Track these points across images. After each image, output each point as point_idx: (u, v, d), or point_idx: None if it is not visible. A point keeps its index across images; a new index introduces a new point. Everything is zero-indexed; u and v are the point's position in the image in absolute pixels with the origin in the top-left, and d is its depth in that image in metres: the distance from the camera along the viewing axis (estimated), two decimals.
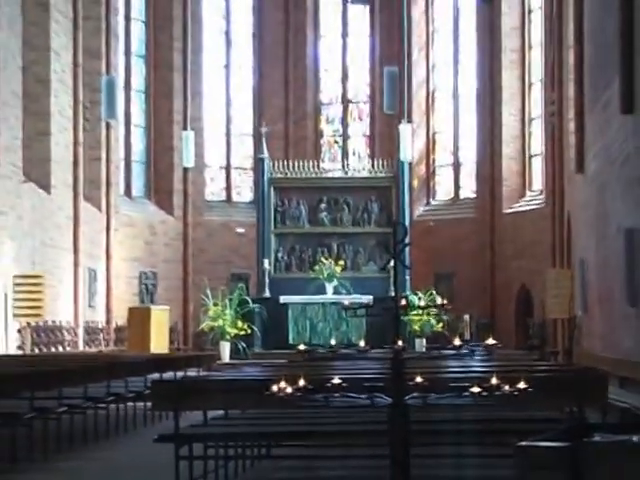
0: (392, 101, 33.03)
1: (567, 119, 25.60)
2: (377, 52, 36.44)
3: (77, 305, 29.06)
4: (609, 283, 19.10)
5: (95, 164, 31.02)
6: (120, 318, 30.80)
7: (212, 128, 36.32)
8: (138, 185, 34.85)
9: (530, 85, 33.41)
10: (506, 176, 33.44)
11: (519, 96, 33.61)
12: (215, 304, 29.39)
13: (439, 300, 7.72)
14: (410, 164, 31.67)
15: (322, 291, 29.67)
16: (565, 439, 4.44)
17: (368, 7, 35.12)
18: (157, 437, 9.69)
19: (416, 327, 28.20)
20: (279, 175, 31.19)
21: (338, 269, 29.88)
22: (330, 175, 32.20)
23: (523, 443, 4.44)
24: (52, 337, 26.82)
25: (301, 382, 6.60)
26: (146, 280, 33.19)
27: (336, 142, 37.59)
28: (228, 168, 36.84)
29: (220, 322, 29.05)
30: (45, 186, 27.67)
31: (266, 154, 31.25)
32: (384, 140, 35.03)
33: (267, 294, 29.85)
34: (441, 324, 27.95)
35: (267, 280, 30.05)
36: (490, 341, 7.20)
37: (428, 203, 35.52)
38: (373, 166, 32.10)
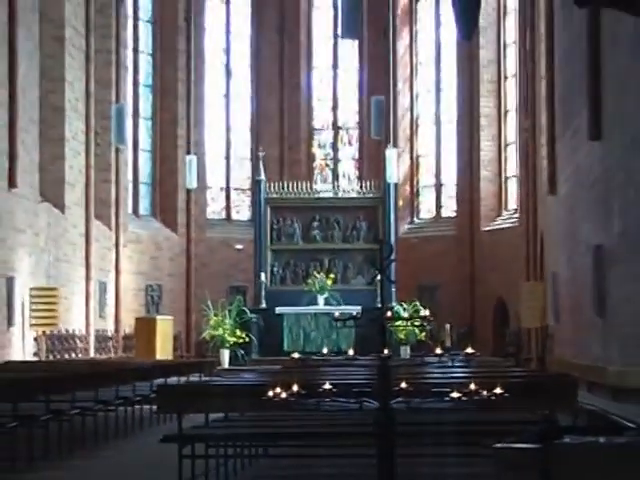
0: (379, 127, 33.09)
1: (540, 145, 25.64)
2: (365, 82, 36.50)
3: (88, 315, 29.05)
4: (578, 295, 19.11)
5: (105, 185, 31.01)
6: (128, 327, 30.77)
7: (213, 152, 36.32)
8: (145, 205, 34.83)
9: (506, 113, 33.47)
10: (484, 196, 33.48)
11: (496, 123, 33.67)
12: (216, 314, 29.35)
13: (423, 311, 7.74)
14: (395, 185, 31.66)
15: (314, 302, 29.64)
16: (538, 441, 4.44)
17: (357, 42, 35.13)
18: (162, 437, 9.66)
19: (401, 336, 28.17)
20: (275, 195, 31.19)
21: (329, 282, 29.85)
22: (322, 196, 32.19)
23: (499, 445, 4.45)
24: (65, 345, 26.81)
25: (295, 387, 6.60)
26: (152, 292, 33.15)
27: (327, 165, 37.60)
28: (228, 189, 36.84)
29: (220, 331, 29.02)
30: (60, 206, 27.68)
31: (263, 176, 31.24)
32: (372, 163, 35.05)
33: (264, 305, 29.81)
34: (424, 333, 27.92)
35: (264, 292, 30.02)
36: (469, 350, 7.19)
37: (412, 221, 35.54)
38: (361, 187, 32.11)
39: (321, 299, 29.66)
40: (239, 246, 34.08)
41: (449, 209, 35.35)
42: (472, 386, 6.51)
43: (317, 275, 30.10)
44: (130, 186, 33.97)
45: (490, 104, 33.71)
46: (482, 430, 8.61)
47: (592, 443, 4.38)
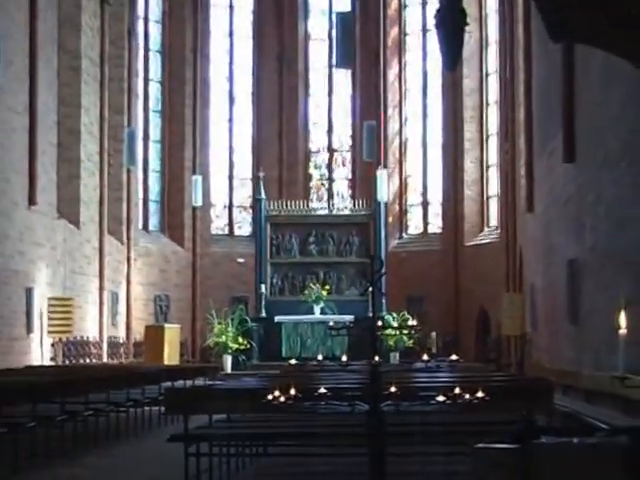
0: (370, 150, 33.07)
1: (519, 166, 25.64)
2: (358, 108, 36.50)
3: (101, 323, 29.01)
4: (554, 305, 19.11)
5: (117, 203, 31.02)
6: (138, 334, 30.75)
7: (217, 173, 36.32)
8: (154, 221, 34.82)
9: (487, 137, 33.49)
10: (467, 214, 33.48)
11: (478, 146, 33.69)
12: (219, 323, 29.35)
13: (411, 321, 7.75)
14: (386, 204, 31.66)
15: (311, 312, 29.62)
16: (516, 441, 4.43)
17: (350, 71, 35.18)
18: (169, 437, 9.65)
19: (391, 343, 28.15)
20: (274, 213, 31.21)
21: (324, 293, 29.85)
22: (318, 213, 32.20)
23: (480, 445, 4.44)
24: (80, 350, 26.76)
25: (292, 391, 6.60)
26: (160, 302, 33.11)
27: (323, 185, 37.60)
28: (231, 207, 36.83)
29: (223, 338, 29.01)
30: (75, 222, 27.68)
31: (263, 195, 31.27)
32: (364, 183, 35.03)
33: (263, 314, 29.79)
34: (412, 340, 27.89)
35: (264, 302, 30.00)
36: (453, 357, 7.20)
37: (401, 237, 35.51)
38: (354, 205, 32.15)
39: (317, 309, 29.66)
40: (241, 259, 34.06)
41: (435, 226, 35.32)
42: (456, 390, 6.51)
43: (313, 286, 30.10)
44: (140, 204, 33.97)
45: (473, 129, 33.74)
46: (465, 430, 8.61)
47: (566, 443, 4.37)
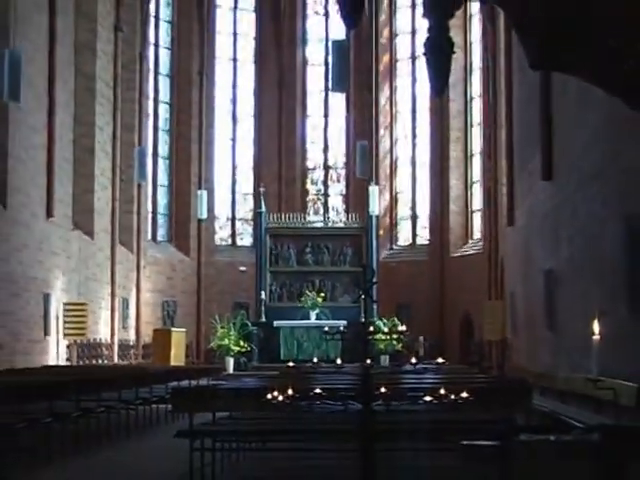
0: (363, 167, 33.14)
1: (500, 184, 25.70)
2: (352, 129, 36.55)
3: (113, 327, 29.00)
4: (532, 312, 19.13)
5: (128, 215, 31.02)
6: (147, 337, 30.70)
7: (221, 187, 36.32)
8: (162, 232, 34.81)
9: (471, 156, 33.54)
10: (453, 227, 33.51)
11: (463, 164, 33.74)
12: (222, 327, 29.32)
13: (400, 326, 7.77)
14: (377, 217, 31.68)
15: (307, 317, 29.61)
16: (497, 438, 4.45)
17: (345, 94, 35.23)
18: (176, 433, 9.64)
19: (381, 346, 28.11)
20: (274, 225, 31.22)
21: (320, 300, 29.84)
22: (314, 225, 32.23)
23: (465, 442, 4.46)
24: (93, 352, 26.75)
25: (290, 391, 6.61)
26: (168, 307, 33.08)
27: (319, 199, 37.61)
28: (233, 219, 36.84)
29: (226, 341, 28.97)
30: (89, 232, 27.70)
31: (263, 208, 31.29)
32: (357, 198, 35.06)
33: (263, 319, 29.77)
34: (401, 344, 27.86)
35: (263, 308, 29.99)
36: (440, 360, 7.21)
37: (391, 248, 35.53)
38: (348, 219, 32.19)
39: (313, 314, 29.65)
40: (243, 268, 34.04)
41: (423, 238, 35.34)
42: (442, 391, 6.52)
43: (309, 293, 30.10)
44: (149, 216, 33.98)
45: (458, 148, 33.79)
46: (451, 428, 8.61)
47: (544, 440, 4.39)
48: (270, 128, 36.39)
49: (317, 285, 30.76)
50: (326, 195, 37.58)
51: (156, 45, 34.85)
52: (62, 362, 24.51)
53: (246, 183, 36.85)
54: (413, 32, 35.81)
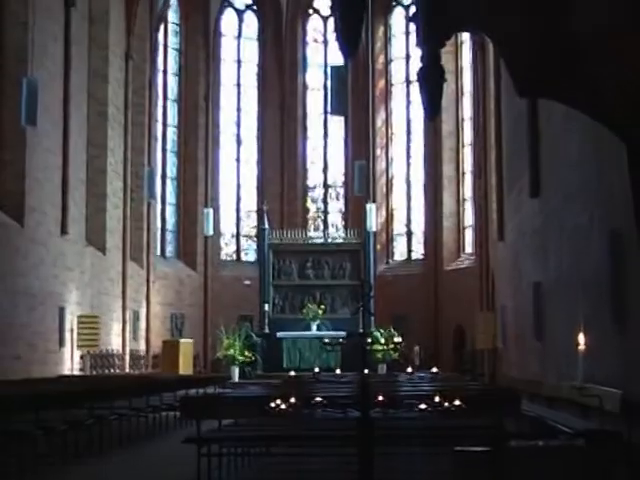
0: (361, 186, 33.08)
1: (491, 201, 25.68)
2: (350, 150, 36.60)
3: (124, 338, 28.98)
4: (522, 323, 19.10)
5: (139, 232, 31.04)
6: (157, 348, 30.68)
7: (226, 206, 36.35)
8: (170, 248, 34.82)
9: (463, 175, 33.58)
10: (446, 242, 33.52)
11: (455, 183, 33.77)
12: (227, 338, 29.29)
13: (396, 337, 7.76)
14: (374, 233, 31.67)
15: (308, 328, 29.59)
16: (489, 444, 4.46)
17: (344, 117, 35.28)
18: (184, 439, 9.62)
19: (379, 356, 28.07)
20: (276, 241, 31.23)
21: (320, 312, 29.82)
22: (314, 241, 32.21)
23: (458, 448, 4.47)
24: (105, 362, 26.73)
25: (292, 400, 6.62)
26: (176, 319, 33.05)
27: (319, 217, 37.63)
28: (238, 236, 36.85)
29: (231, 351, 28.94)
30: (102, 249, 27.72)
31: (267, 225, 31.31)
32: (355, 215, 35.07)
33: (267, 330, 29.74)
34: (397, 353, 27.81)
35: (267, 320, 29.96)
36: (434, 369, 7.22)
37: (388, 262, 35.52)
38: (346, 235, 32.20)
39: (314, 325, 29.64)
40: (247, 282, 34.02)
41: (418, 252, 35.36)
42: (436, 399, 6.53)
43: (310, 306, 30.09)
44: (159, 233, 33.99)
45: (451, 167, 33.83)
46: (445, 434, 8.60)
47: (532, 446, 4.40)
48: (272, 149, 36.45)
49: (318, 298, 30.73)
50: (326, 212, 37.60)
51: (165, 72, 34.94)
52: (76, 372, 24.49)
53: (250, 201, 36.87)
54: (407, 57, 35.93)
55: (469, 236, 32.78)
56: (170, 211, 34.94)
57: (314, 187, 37.82)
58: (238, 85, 37.11)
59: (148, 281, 31.69)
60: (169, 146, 35.02)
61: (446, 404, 6.54)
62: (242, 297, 33.59)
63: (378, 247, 34.05)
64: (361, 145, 35.46)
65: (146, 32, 31.80)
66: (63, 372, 23.22)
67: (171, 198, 35.01)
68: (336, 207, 37.70)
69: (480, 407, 9.33)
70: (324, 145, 37.73)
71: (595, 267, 11.87)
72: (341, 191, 37.59)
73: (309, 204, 37.59)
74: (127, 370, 28.40)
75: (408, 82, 35.60)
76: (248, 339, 29.35)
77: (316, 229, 36.31)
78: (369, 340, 7.04)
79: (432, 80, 4.79)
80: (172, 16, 35.26)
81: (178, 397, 16.42)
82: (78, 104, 25.87)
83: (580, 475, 4.24)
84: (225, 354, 29.13)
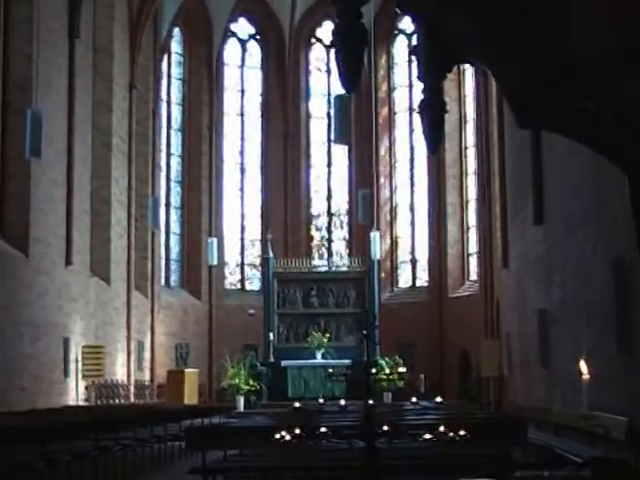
0: (365, 214, 32.99)
1: (495, 228, 25.70)
2: (353, 178, 36.69)
3: (129, 368, 28.93)
4: (527, 350, 19.08)
5: (143, 262, 31.06)
6: (161, 378, 30.58)
7: (230, 235, 36.39)
8: (175, 278, 34.82)
9: (467, 202, 33.62)
10: (450, 270, 33.50)
11: (459, 210, 33.79)
12: (232, 367, 29.23)
13: (401, 367, 7.75)
14: (379, 261, 31.67)
15: (313, 357, 29.54)
16: (495, 474, 4.47)
17: (347, 146, 35.36)
18: (189, 470, 9.61)
19: (384, 384, 27.97)
20: (280, 270, 31.25)
21: (325, 340, 29.79)
22: (318, 270, 32.20)
23: (463, 479, 4.47)
24: (110, 392, 26.63)
25: (297, 430, 6.62)
26: (181, 349, 32.99)
27: (323, 245, 37.64)
28: (242, 265, 36.86)
29: (236, 380, 28.87)
30: (106, 279, 27.72)
31: (271, 254, 31.34)
32: (359, 243, 35.09)
33: (272, 359, 29.71)
34: (402, 382, 27.72)
35: (272, 348, 29.94)
36: (438, 399, 7.22)
37: (392, 290, 35.50)
38: (351, 263, 32.19)
39: (319, 354, 29.59)
40: (251, 311, 33.98)
41: (422, 280, 35.33)
42: (441, 428, 6.53)
43: (315, 334, 30.05)
44: (163, 262, 34.00)
45: (454, 195, 33.87)
46: (450, 464, 8.58)
47: (538, 477, 4.41)
48: (276, 178, 36.53)
49: (322, 326, 30.69)
50: (330, 241, 37.62)
51: (168, 102, 35.11)
52: (81, 402, 24.43)
53: (254, 230, 36.91)
54: (410, 86, 36.06)
55: (473, 263, 32.78)
56: (174, 240, 34.99)
57: (318, 215, 37.86)
58: (242, 114, 37.26)
59: (152, 311, 31.68)
60: (173, 175, 35.12)
61: (451, 434, 6.54)
62: (247, 326, 33.54)
63: (383, 275, 34.03)
64: (365, 173, 35.52)
65: (150, 62, 31.99)
66: (68, 402, 23.17)
67: (175, 227, 35.06)
68: (340, 235, 37.72)
69: (486, 435, 9.31)
70: (328, 173, 37.81)
71: (599, 294, 11.88)
72: (345, 219, 37.63)
73: (313, 232, 37.61)
74: (132, 400, 28.32)
75: (411, 110, 35.71)
76: (253, 368, 29.31)
77: (320, 257, 36.29)
78: (373, 370, 7.02)
79: (433, 112, 4.83)
80: (175, 46, 35.50)
81: (183, 427, 16.36)
82: (82, 135, 25.98)
83: None
84: (230, 383, 29.06)
